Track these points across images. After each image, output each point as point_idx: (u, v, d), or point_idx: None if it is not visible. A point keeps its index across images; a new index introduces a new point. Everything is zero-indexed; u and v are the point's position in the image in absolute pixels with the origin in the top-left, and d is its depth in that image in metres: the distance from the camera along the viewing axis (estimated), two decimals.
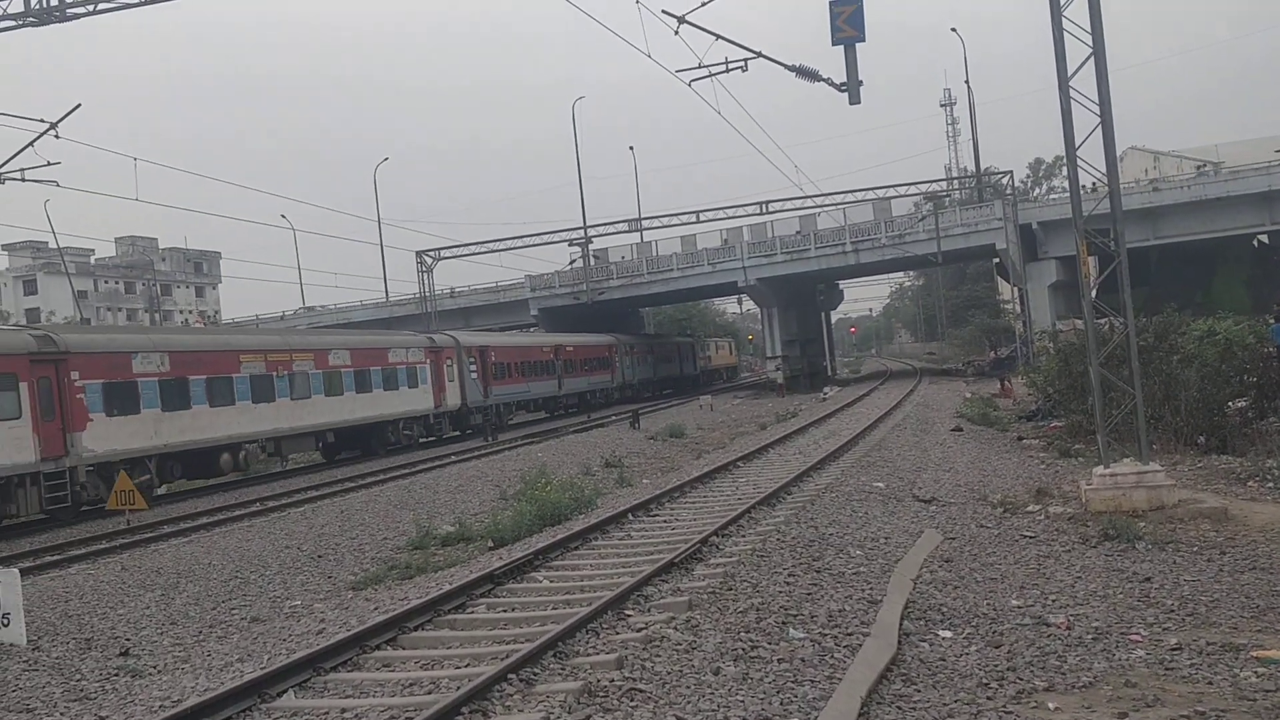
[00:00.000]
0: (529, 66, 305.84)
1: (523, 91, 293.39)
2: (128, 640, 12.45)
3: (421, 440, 39.41)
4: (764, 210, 60.98)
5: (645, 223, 65.13)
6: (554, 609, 10.85)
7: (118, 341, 27.14)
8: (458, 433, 42.97)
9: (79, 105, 23.74)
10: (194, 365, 28.23)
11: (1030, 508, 15.89)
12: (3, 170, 23.73)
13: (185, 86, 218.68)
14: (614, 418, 45.10)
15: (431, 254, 64.86)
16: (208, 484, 30.01)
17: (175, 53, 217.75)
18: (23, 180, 23.85)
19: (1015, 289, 61.54)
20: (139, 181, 40.76)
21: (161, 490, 27.46)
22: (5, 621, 12.29)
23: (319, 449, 35.95)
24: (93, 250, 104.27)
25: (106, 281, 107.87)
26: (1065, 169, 19.37)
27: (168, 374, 27.13)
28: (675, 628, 9.43)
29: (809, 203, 57.52)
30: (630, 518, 16.58)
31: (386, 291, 73.70)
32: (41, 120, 23.36)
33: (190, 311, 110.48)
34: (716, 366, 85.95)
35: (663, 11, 19.56)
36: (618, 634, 9.55)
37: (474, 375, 43.69)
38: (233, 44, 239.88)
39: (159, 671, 11.08)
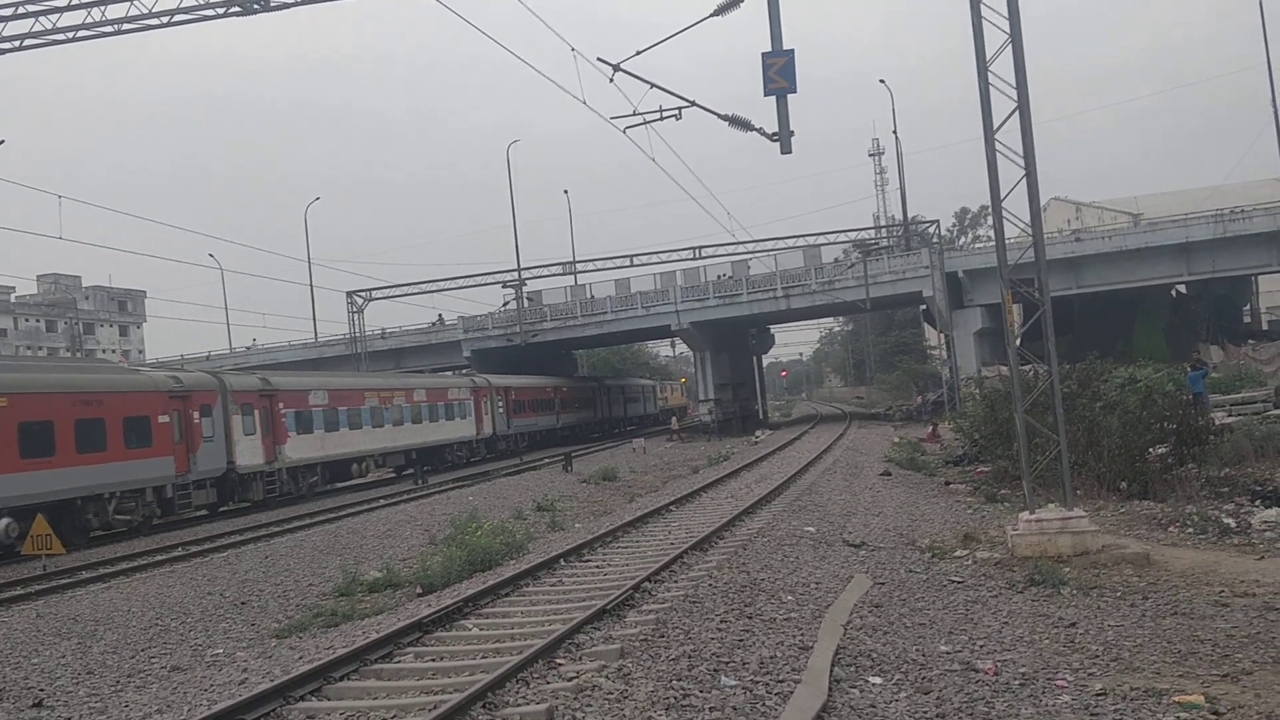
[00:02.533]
0: (465, 105, 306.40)
1: (458, 130, 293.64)
2: (41, 691, 12.05)
3: (469, 460, 48.40)
4: (697, 255, 61.54)
5: (579, 265, 65.34)
6: (484, 658, 10.71)
7: (303, 382, 37.78)
8: (491, 454, 51.16)
9: (2, 141, 23.30)
10: (341, 399, 38.21)
11: (958, 553, 16.04)
12: None
13: (112, 122, 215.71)
14: (546, 460, 45.03)
15: (362, 294, 64.40)
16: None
17: (102, 87, 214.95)
18: None
19: (942, 335, 62.50)
20: (63, 219, 39.97)
21: (323, 488, 37.14)
22: None
23: (405, 463, 43.77)
24: (13, 288, 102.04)
25: (27, 319, 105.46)
26: (990, 218, 19.77)
27: (327, 405, 37.20)
28: (607, 676, 9.36)
29: (741, 248, 58.25)
30: (562, 563, 16.47)
31: (315, 332, 72.91)
32: None
33: (114, 351, 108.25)
34: (672, 406, 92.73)
35: (598, 59, 19.75)
36: (548, 683, 9.45)
37: (500, 410, 52.69)
38: (162, 79, 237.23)
39: None
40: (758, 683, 9.19)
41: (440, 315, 68.61)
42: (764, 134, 19.23)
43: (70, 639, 14.60)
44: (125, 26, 21.68)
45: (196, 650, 13.77)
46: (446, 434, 46.47)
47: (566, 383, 66.77)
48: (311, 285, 71.27)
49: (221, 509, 32.15)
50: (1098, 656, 10.19)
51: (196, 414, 30.07)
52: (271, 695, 9.53)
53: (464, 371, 63.78)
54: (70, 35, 21.84)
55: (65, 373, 28.89)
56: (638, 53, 19.47)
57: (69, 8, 21.65)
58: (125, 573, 20.73)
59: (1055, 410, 16.24)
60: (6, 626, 15.67)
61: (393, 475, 43.84)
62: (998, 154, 15.72)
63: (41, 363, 38.02)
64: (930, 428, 43.11)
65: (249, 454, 32.26)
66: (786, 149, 19.03)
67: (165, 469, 28.62)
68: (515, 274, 62.58)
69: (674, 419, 69.75)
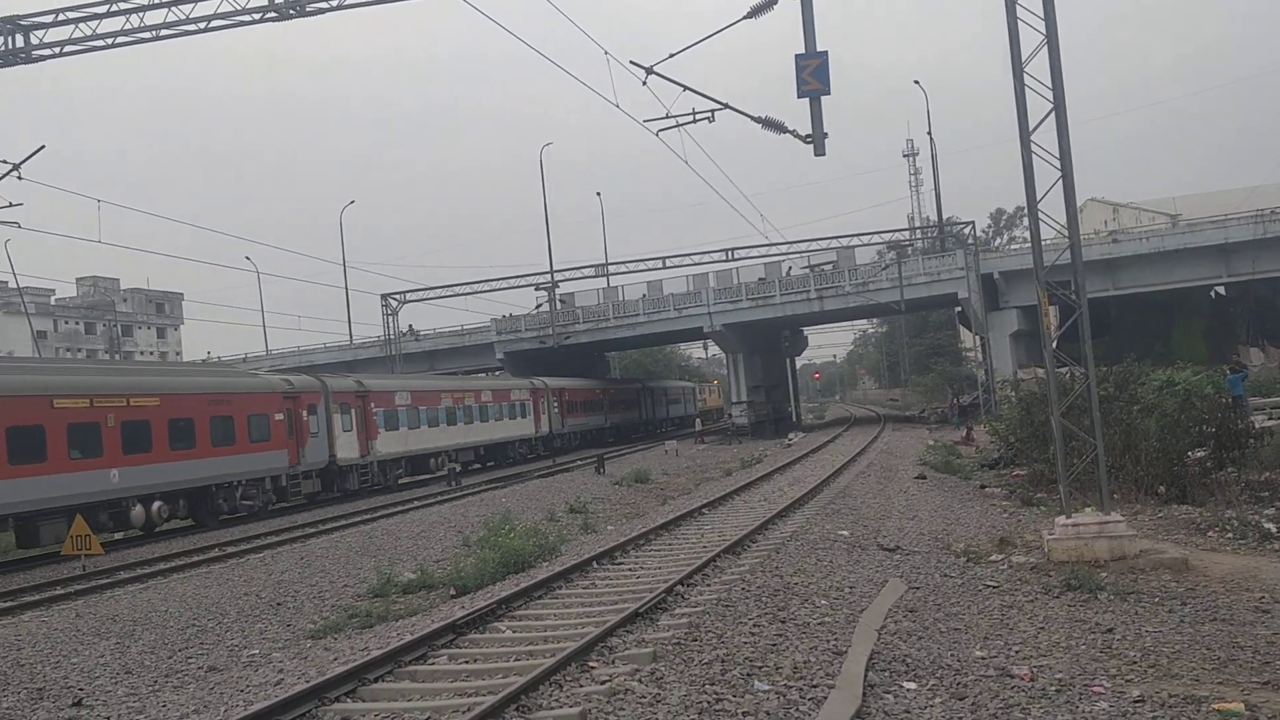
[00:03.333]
0: (497, 102, 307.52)
1: (490, 128, 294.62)
2: (81, 690, 12.19)
3: (527, 456, 52.10)
4: (730, 257, 61.43)
5: (612, 267, 65.41)
6: (517, 660, 10.74)
7: (390, 384, 41.74)
8: (547, 451, 54.62)
9: (42, 147, 23.68)
10: (421, 400, 42.19)
11: (993, 557, 15.92)
12: None
13: (143, 124, 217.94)
14: (579, 462, 45.14)
15: (396, 297, 64.75)
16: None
17: (134, 87, 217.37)
18: None
19: (977, 337, 62.10)
20: (101, 223, 40.36)
21: (405, 479, 41.10)
22: None
23: (474, 458, 47.93)
24: (53, 290, 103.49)
25: (67, 322, 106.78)
26: (1026, 220, 19.64)
27: (410, 405, 41.11)
28: (640, 680, 9.36)
29: (774, 250, 58.03)
30: (595, 565, 16.49)
31: (350, 334, 73.41)
32: (4, 161, 23.22)
33: (151, 353, 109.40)
34: (710, 408, 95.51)
35: (631, 62, 19.77)
36: (581, 686, 9.47)
37: (556, 410, 56.42)
38: (198, 81, 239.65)
39: None
40: (791, 687, 9.16)
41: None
42: (797, 136, 19.16)
43: (109, 639, 14.76)
44: (163, 33, 21.90)
45: (233, 650, 13.88)
46: (510, 432, 50.78)
47: (614, 385, 72.03)
48: (346, 288, 71.84)
49: (324, 497, 35.81)
50: (1135, 663, 10.09)
51: (305, 412, 33.96)
52: (307, 696, 9.60)
53: (497, 373, 64.07)
54: (109, 41, 22.08)
55: (201, 375, 33.55)
56: (670, 55, 19.48)
57: (108, 14, 21.90)
58: (163, 573, 20.94)
59: (1092, 413, 16.09)
60: (47, 626, 15.86)
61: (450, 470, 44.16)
62: (1034, 155, 15.60)
63: (183, 367, 43.25)
64: (965, 430, 42.82)
65: (347, 448, 36.37)
66: (820, 151, 18.95)
67: (280, 461, 32.68)
68: (548, 276, 62.72)
69: (697, 421, 70.74)
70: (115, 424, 26.42)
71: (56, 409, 24.91)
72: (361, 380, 39.57)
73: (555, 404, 56.43)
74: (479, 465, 48.35)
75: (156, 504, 27.39)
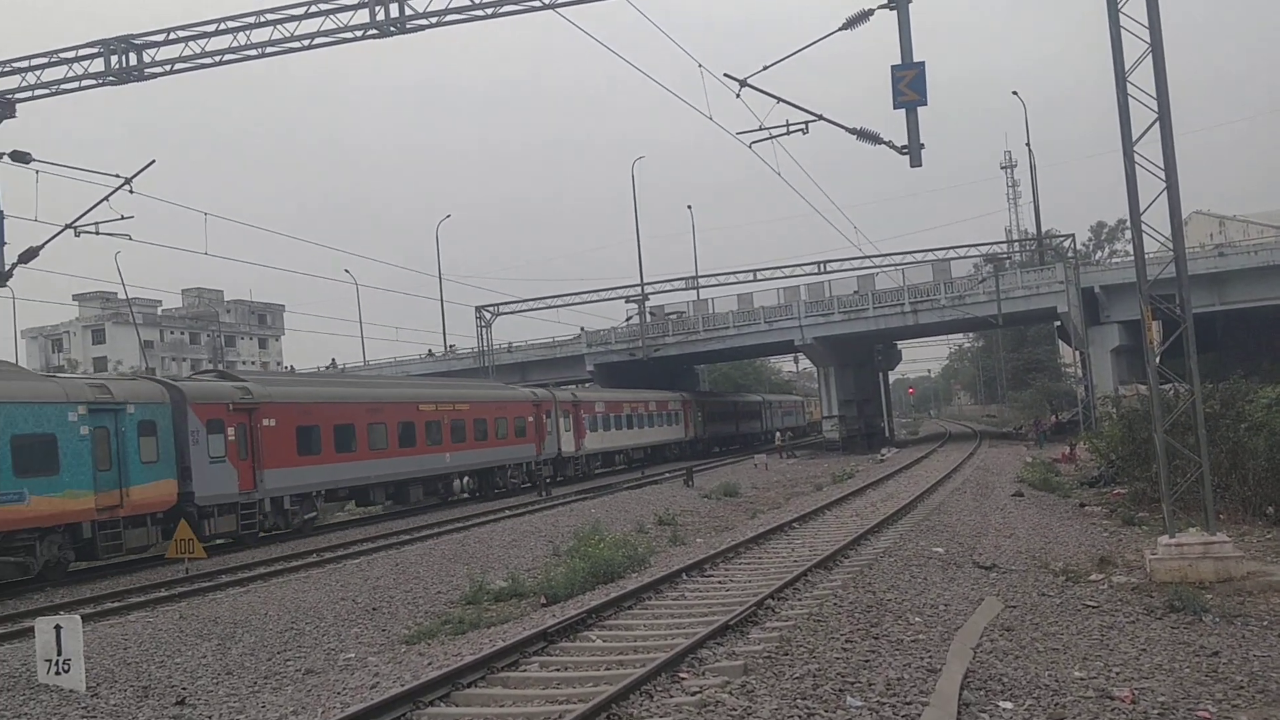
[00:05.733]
0: (587, 126, 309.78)
1: (581, 150, 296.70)
2: (184, 689, 12.52)
3: (678, 456, 59.16)
4: (822, 269, 60.99)
5: (702, 280, 65.35)
6: (607, 669, 10.79)
7: (592, 395, 51.99)
8: (691, 454, 61.53)
9: (153, 161, 24.37)
10: (611, 408, 52.46)
11: (1093, 576, 15.57)
12: (79, 223, 24.36)
13: (254, 147, 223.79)
14: (667, 475, 45.26)
15: (490, 309, 65.52)
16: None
17: (247, 112, 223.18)
18: (97, 233, 24.47)
19: (1077, 353, 60.81)
20: (208, 235, 41.66)
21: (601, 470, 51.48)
22: (66, 667, 12.45)
23: (643, 457, 56.16)
24: (160, 301, 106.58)
25: (172, 332, 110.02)
26: (1128, 233, 19.20)
27: (605, 412, 51.50)
28: (730, 692, 9.33)
29: (868, 263, 57.49)
30: (684, 577, 16.49)
31: (445, 346, 74.41)
32: (117, 175, 24.01)
33: (252, 363, 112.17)
34: (814, 420, 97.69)
35: (725, 75, 19.77)
36: (671, 697, 9.47)
37: (699, 418, 65.10)
38: (293, 107, 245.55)
39: None
40: (884, 704, 9.05)
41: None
42: (893, 147, 18.96)
43: (211, 640, 15.14)
44: (269, 50, 22.49)
45: (330, 654, 14.15)
46: (666, 436, 60.16)
47: (742, 398, 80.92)
48: (442, 300, 72.85)
49: (555, 479, 44.78)
50: (1242, 688, 9.78)
51: (545, 416, 44.78)
52: (402, 700, 9.75)
53: (588, 385, 64.55)
54: (217, 59, 22.75)
55: (489, 389, 45.31)
56: (764, 68, 19.43)
57: (216, 33, 22.58)
58: (262, 577, 21.43)
59: (1197, 431, 15.65)
60: (152, 627, 16.33)
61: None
62: (1137, 166, 15.26)
63: (474, 381, 52.51)
64: (1068, 448, 41.92)
65: (567, 444, 46.95)
66: (917, 162, 18.74)
67: (530, 452, 43.53)
68: (638, 289, 62.93)
69: (777, 435, 71.10)
70: (447, 422, 37.24)
71: (420, 411, 35.88)
72: (575, 393, 50.81)
73: (699, 414, 65.62)
74: (632, 463, 55.94)
75: (465, 479, 38.64)
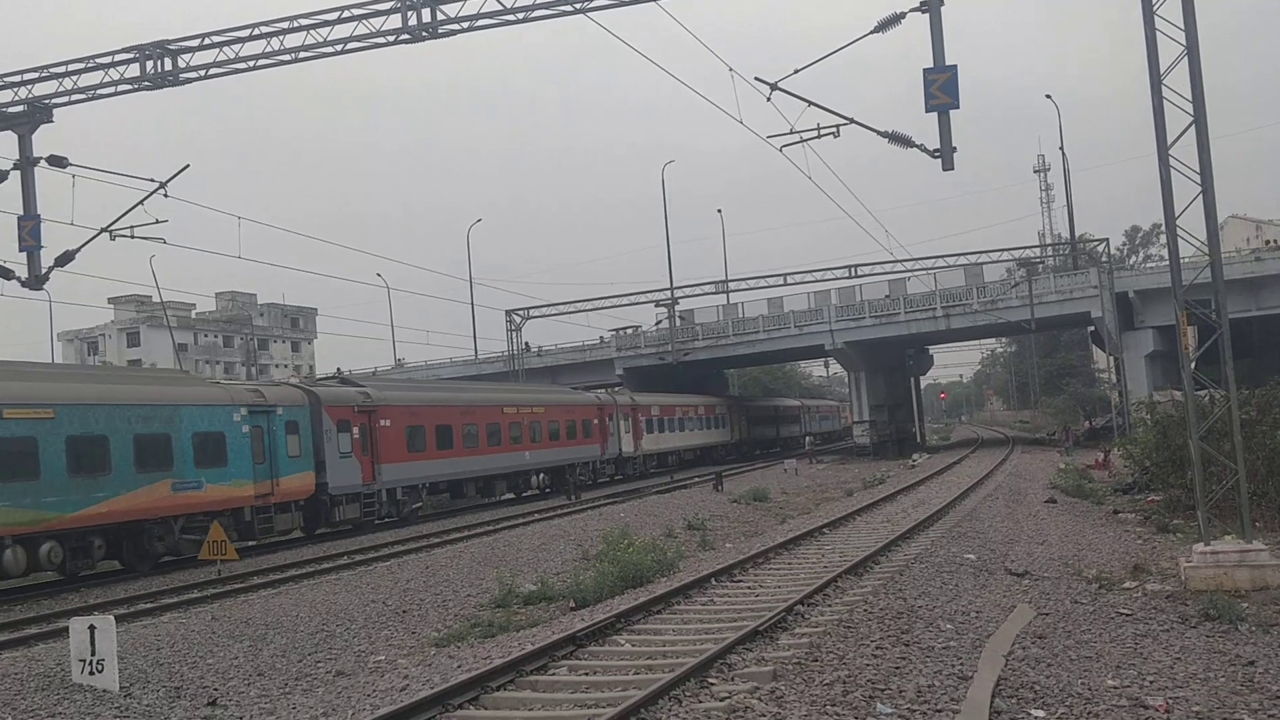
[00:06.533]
0: (615, 131, 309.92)
1: (609, 155, 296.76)
2: (216, 690, 12.61)
3: (724, 458, 62.43)
4: (853, 274, 60.76)
5: (732, 284, 65.26)
6: (636, 673, 10.77)
7: (648, 399, 55.06)
8: (736, 455, 66.31)
9: (187, 166, 24.51)
10: (665, 411, 56.15)
11: (1127, 584, 15.43)
12: (114, 227, 24.55)
13: (285, 150, 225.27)
14: (696, 479, 45.22)
15: (520, 313, 65.70)
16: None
17: (278, 117, 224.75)
18: (132, 237, 24.58)
19: (1111, 358, 60.27)
20: (241, 239, 41.88)
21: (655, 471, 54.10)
22: (100, 667, 12.56)
23: (693, 458, 60.46)
24: (194, 305, 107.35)
25: (206, 335, 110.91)
26: (1163, 237, 19.02)
27: (659, 415, 55.12)
28: (759, 698, 9.30)
29: (899, 267, 57.15)
30: (713, 582, 16.45)
31: (476, 349, 74.65)
32: (151, 180, 24.18)
33: (285, 366, 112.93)
34: (850, 425, 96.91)
35: (755, 79, 19.73)
36: (701, 703, 9.44)
37: (744, 422, 69.99)
38: (328, 109, 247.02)
39: None
40: (915, 711, 8.99)
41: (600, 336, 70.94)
42: (925, 150, 18.84)
43: (242, 641, 15.24)
44: (302, 54, 22.61)
45: (360, 656, 14.21)
46: (713, 439, 63.42)
47: (783, 403, 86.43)
48: (473, 304, 73.03)
49: (616, 476, 50.21)
50: (1279, 698, 9.65)
51: (608, 419, 49.13)
52: (431, 702, 9.78)
53: (616, 389, 64.61)
54: (251, 64, 22.89)
55: (561, 394, 50.04)
56: (795, 71, 19.35)
57: (250, 38, 22.72)
58: (294, 579, 21.55)
59: (1233, 437, 15.48)
60: (185, 628, 16.45)
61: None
62: (1172, 170, 15.12)
63: (552, 388, 55.92)
64: (1103, 454, 41.54)
65: (627, 445, 50.86)
66: (949, 165, 18.61)
67: (596, 452, 47.90)
68: (668, 293, 62.89)
69: (807, 439, 72.85)
70: (527, 424, 41.48)
71: (504, 413, 40.24)
72: (634, 396, 54.10)
73: (743, 418, 69.94)
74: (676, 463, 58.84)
75: (541, 475, 42.80)
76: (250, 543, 27.25)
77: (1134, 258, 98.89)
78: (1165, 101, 15.11)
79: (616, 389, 59.43)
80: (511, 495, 41.80)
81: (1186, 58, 14.97)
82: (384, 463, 32.09)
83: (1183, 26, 14.98)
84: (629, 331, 66.77)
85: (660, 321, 64.19)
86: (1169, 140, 15.10)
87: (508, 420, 40.21)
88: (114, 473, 23.07)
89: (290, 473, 27.98)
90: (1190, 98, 15.02)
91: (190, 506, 24.83)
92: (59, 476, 21.81)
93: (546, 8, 20.85)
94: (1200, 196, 15.12)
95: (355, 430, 30.94)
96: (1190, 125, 15.05)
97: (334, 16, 22.05)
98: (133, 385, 25.58)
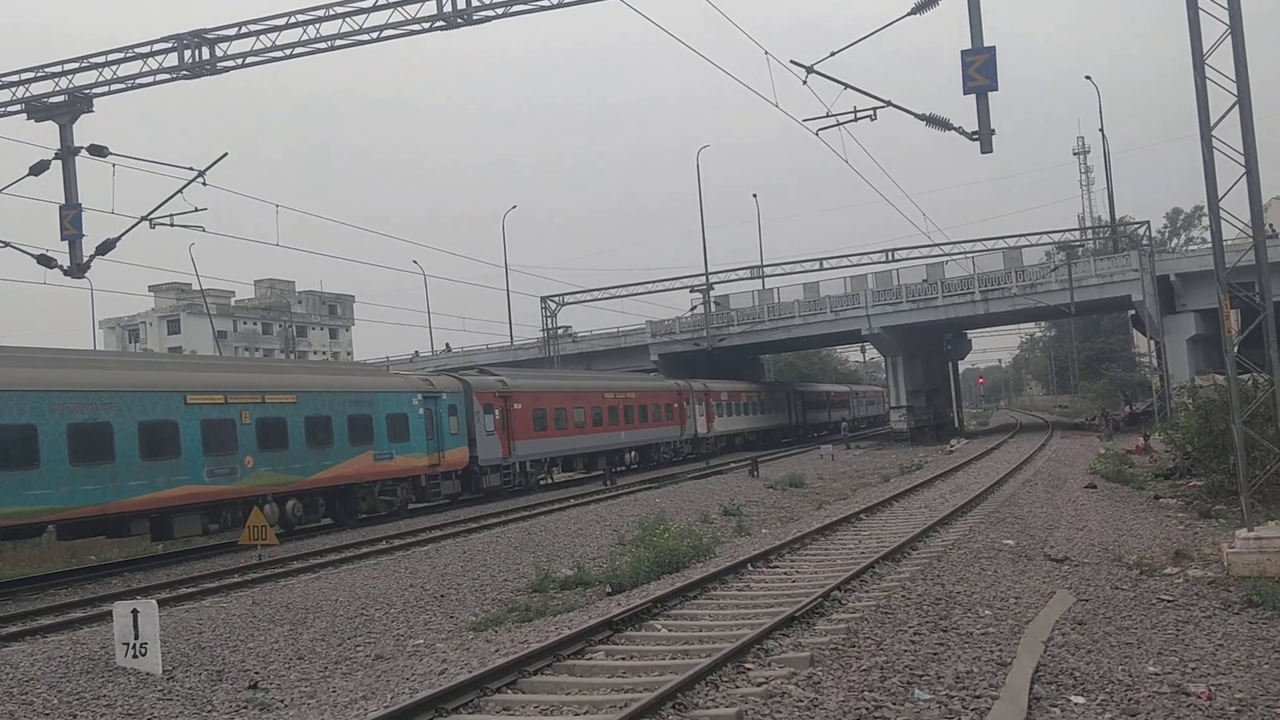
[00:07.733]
0: (653, 121, 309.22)
1: (640, 155, 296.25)
2: (257, 674, 12.76)
3: (783, 440, 67.26)
4: (890, 258, 60.36)
5: (768, 269, 65.01)
6: (672, 659, 10.79)
7: (719, 385, 58.81)
8: (791, 438, 70.43)
9: (225, 154, 24.67)
10: (732, 397, 60.63)
11: (1168, 570, 15.28)
12: (154, 216, 24.78)
13: (347, 163, 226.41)
14: (732, 465, 45.18)
15: (556, 299, 65.78)
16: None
17: (318, 109, 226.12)
18: (171, 225, 24.80)
19: (1152, 342, 59.58)
20: (279, 227, 42.15)
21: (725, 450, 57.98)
22: (143, 651, 12.73)
23: (757, 439, 63.23)
24: (233, 292, 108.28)
25: (245, 322, 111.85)
26: (1206, 220, 18.79)
27: (727, 400, 59.36)
28: (796, 684, 9.29)
29: (937, 251, 56.70)
30: (750, 568, 16.44)
31: (511, 335, 74.85)
32: (191, 168, 24.38)
33: (323, 353, 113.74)
34: None
35: (791, 62, 19.61)
36: (737, 688, 9.45)
37: (799, 406, 74.05)
38: (356, 87, 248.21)
39: (286, 706, 11.33)
40: (953, 697, 8.96)
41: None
42: (963, 133, 18.68)
43: (283, 625, 15.39)
44: (338, 43, 22.73)
45: (399, 640, 14.33)
46: (774, 422, 67.21)
47: (833, 388, 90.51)
48: (508, 290, 73.18)
49: (688, 456, 53.43)
50: None
51: (685, 403, 53.34)
52: (470, 686, 9.84)
53: (652, 374, 64.62)
54: (288, 52, 23.03)
55: (647, 380, 54.76)
56: (831, 54, 19.21)
57: (287, 26, 22.85)
58: (333, 564, 21.74)
59: (1277, 422, 15.30)
60: (226, 612, 16.63)
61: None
62: (1215, 151, 14.91)
63: (628, 375, 58.61)
64: (1143, 439, 41.13)
65: (700, 427, 54.81)
66: (987, 148, 18.45)
67: (675, 433, 52.43)
68: (703, 278, 62.74)
69: (843, 423, 75.21)
70: (621, 408, 46.52)
71: (604, 398, 45.29)
72: (706, 384, 56.98)
73: (798, 402, 74.39)
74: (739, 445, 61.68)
75: (633, 453, 48.26)
76: (421, 504, 33.31)
77: (1175, 240, 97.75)
78: (1209, 81, 14.89)
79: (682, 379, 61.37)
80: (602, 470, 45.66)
81: (1230, 37, 14.74)
82: (517, 440, 37.87)
83: (1226, 4, 14.75)
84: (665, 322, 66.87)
85: (695, 307, 64.09)
86: (1212, 121, 14.88)
87: (607, 405, 45.46)
88: (335, 445, 28.59)
89: (452, 447, 33.90)
90: (1234, 78, 14.79)
91: (385, 473, 30.75)
92: (301, 447, 27.36)
93: None
94: (1244, 178, 14.90)
95: (496, 413, 36.75)
96: (1233, 105, 14.83)
97: (369, 4, 22.13)
98: (345, 376, 32.51)
